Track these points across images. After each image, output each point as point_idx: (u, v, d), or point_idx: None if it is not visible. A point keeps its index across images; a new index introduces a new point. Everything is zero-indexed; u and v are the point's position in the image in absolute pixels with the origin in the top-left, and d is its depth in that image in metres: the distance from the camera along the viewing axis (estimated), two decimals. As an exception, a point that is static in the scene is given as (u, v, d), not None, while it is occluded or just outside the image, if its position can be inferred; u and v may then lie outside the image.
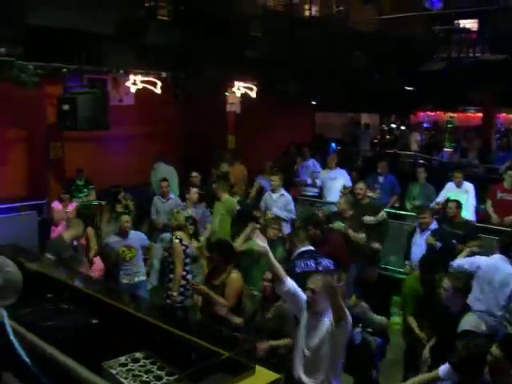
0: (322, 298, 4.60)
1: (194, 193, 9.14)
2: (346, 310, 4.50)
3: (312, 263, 5.82)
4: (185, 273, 7.30)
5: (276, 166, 11.47)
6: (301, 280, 5.21)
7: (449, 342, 4.78)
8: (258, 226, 7.90)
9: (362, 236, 7.97)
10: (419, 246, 7.84)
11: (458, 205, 8.36)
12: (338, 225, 8.03)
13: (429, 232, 7.81)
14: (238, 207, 8.95)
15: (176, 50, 9.68)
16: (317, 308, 4.66)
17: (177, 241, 7.27)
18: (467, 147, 13.99)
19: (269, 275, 5.56)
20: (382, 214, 8.82)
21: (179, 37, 9.52)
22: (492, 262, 6.51)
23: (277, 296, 5.41)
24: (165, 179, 9.74)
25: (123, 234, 7.82)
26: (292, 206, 9.34)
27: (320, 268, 5.73)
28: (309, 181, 11.57)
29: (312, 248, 6.25)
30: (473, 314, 5.40)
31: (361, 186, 9.03)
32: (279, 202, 9.30)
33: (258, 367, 3.65)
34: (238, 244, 7.68)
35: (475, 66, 13.20)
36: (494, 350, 3.99)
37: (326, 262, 5.91)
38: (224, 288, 6.14)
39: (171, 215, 7.82)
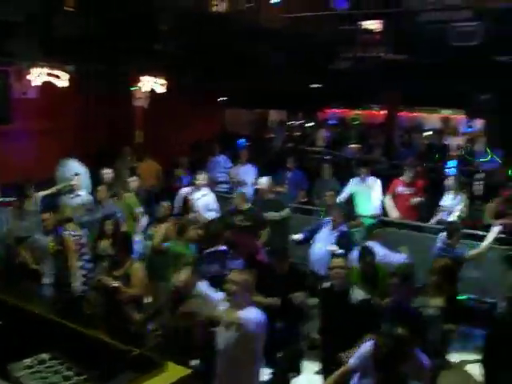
0: (242, 291, 4.63)
1: (101, 191, 9.02)
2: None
3: (217, 267, 5.77)
4: (82, 263, 7.30)
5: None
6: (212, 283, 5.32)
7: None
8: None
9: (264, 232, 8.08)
10: (322, 241, 7.89)
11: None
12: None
13: (337, 233, 7.85)
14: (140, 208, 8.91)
15: (82, 42, 9.44)
16: (234, 302, 4.65)
17: (66, 233, 7.31)
18: (372, 144, 14.41)
19: (180, 277, 5.56)
20: (286, 210, 8.94)
21: (85, 28, 9.31)
22: None
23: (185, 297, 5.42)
24: (76, 174, 9.48)
25: (48, 231, 7.62)
26: (215, 206, 9.39)
27: (226, 272, 5.61)
28: (220, 178, 11.61)
29: (223, 248, 6.19)
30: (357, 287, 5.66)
31: (262, 181, 9.19)
32: (202, 201, 9.33)
33: (168, 363, 3.66)
34: (156, 243, 7.65)
35: (379, 66, 13.64)
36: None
37: (235, 265, 5.87)
38: (128, 278, 6.29)
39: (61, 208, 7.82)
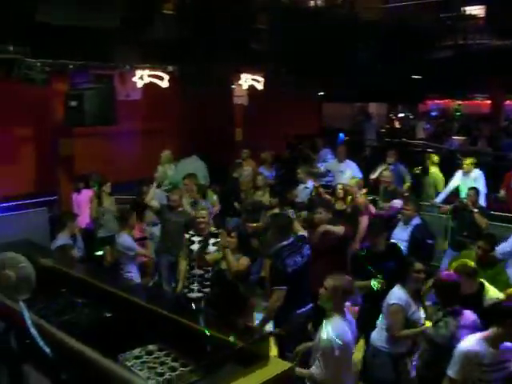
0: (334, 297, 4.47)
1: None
2: None
3: (299, 258, 5.51)
4: None
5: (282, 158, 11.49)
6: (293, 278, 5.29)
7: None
8: None
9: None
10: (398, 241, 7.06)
11: (477, 192, 8.40)
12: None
13: (410, 227, 7.30)
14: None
15: (182, 43, 9.65)
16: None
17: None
18: (477, 135, 13.94)
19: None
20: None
21: (185, 30, 9.50)
22: None
23: None
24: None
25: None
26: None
27: (305, 259, 5.57)
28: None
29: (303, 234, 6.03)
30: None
31: (386, 173, 9.27)
32: (305, 193, 9.63)
33: (271, 357, 3.67)
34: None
35: (482, 53, 13.11)
36: None
37: (307, 251, 5.71)
38: None
39: None
